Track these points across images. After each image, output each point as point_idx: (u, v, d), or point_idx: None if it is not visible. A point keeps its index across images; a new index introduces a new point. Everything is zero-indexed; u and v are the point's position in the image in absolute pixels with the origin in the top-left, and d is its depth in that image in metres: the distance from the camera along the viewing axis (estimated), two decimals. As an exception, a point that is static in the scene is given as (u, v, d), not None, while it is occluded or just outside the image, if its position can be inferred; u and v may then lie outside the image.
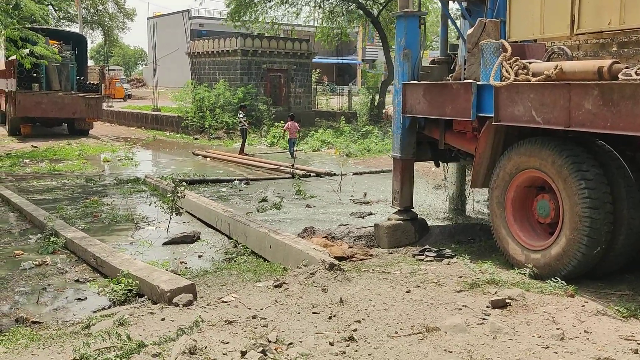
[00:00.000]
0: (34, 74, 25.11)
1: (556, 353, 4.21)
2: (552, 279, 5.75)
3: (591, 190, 5.64)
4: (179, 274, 6.79)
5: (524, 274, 6.06)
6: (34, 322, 5.97)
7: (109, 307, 6.37)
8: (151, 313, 5.40)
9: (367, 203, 12.34)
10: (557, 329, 4.61)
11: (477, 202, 11.07)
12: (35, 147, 22.49)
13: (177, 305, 5.57)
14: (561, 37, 6.55)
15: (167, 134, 29.75)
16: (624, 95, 5.06)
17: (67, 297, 6.93)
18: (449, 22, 9.27)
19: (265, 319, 4.99)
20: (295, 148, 21.03)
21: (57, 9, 36.11)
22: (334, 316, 4.99)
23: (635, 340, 4.42)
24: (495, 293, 5.44)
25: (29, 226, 10.16)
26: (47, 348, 4.70)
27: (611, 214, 5.69)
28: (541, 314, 4.95)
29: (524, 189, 6.56)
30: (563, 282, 5.65)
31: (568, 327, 4.66)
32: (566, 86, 5.60)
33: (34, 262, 7.95)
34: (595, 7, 6.05)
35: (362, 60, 59.12)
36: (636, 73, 5.08)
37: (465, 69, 7.38)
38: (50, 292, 7.06)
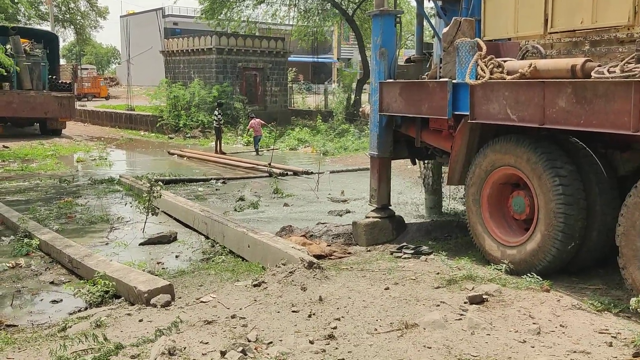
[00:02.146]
0: (5, 73, 24.65)
1: (533, 347, 4.28)
2: (528, 274, 5.84)
3: (565, 187, 5.74)
4: (156, 275, 6.73)
5: (500, 269, 6.14)
6: (8, 326, 5.86)
7: (85, 309, 6.29)
8: (128, 314, 5.35)
9: (344, 201, 12.37)
10: (534, 323, 4.68)
11: (454, 199, 11.17)
12: (7, 147, 22.07)
13: (155, 306, 5.53)
14: (535, 35, 6.63)
15: (142, 134, 29.45)
16: (597, 93, 5.14)
17: (42, 300, 6.82)
18: (425, 21, 9.33)
19: (244, 318, 4.98)
20: (258, 146, 21.96)
21: (26, 7, 35.49)
22: (314, 314, 5.00)
23: (609, 334, 4.51)
24: (473, 289, 5.50)
25: (2, 228, 9.98)
26: (22, 351, 4.63)
27: (585, 210, 5.79)
28: (518, 309, 5.02)
29: (499, 186, 6.65)
30: (538, 277, 5.74)
31: (544, 321, 4.74)
32: (540, 84, 5.68)
33: (8, 265, 7.81)
34: (568, 6, 6.14)
35: (338, 59, 59.18)
36: (608, 71, 5.17)
37: (440, 68, 7.44)
38: (24, 295, 6.94)
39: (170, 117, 28.17)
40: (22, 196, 13.00)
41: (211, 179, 15.29)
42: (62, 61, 54.47)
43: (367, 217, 8.55)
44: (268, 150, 21.40)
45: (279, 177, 15.10)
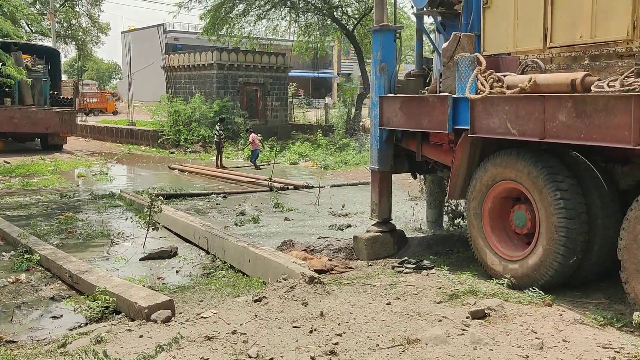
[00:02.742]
0: (6, 89, 24.78)
1: (536, 362, 4.25)
2: (530, 288, 5.82)
3: (566, 201, 5.73)
4: (156, 290, 6.70)
5: (502, 284, 6.12)
6: (8, 342, 5.82)
7: (86, 324, 6.25)
8: (129, 330, 5.33)
9: (345, 215, 12.35)
10: (536, 338, 4.65)
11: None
12: (8, 162, 22.10)
13: (155, 321, 5.50)
14: (534, 50, 6.66)
15: (143, 149, 29.50)
16: (597, 107, 5.16)
17: (42, 315, 6.79)
18: (424, 36, 9.38)
19: (245, 334, 4.95)
20: (257, 160, 22.33)
21: (29, 23, 35.68)
22: (315, 330, 4.97)
23: (613, 348, 4.48)
24: (475, 304, 5.48)
25: (2, 243, 9.96)
26: (22, 368, 4.61)
27: (586, 224, 5.78)
28: (520, 323, 4.99)
29: (500, 200, 6.64)
30: (541, 291, 5.72)
31: (547, 336, 4.71)
32: (540, 98, 5.69)
33: (8, 280, 7.79)
34: (568, 21, 6.17)
35: (338, 73, 59.46)
36: (608, 85, 5.19)
37: (440, 82, 7.47)
38: (24, 310, 6.91)
39: (171, 132, 28.27)
40: (22, 211, 12.99)
41: (212, 193, 15.29)
42: (64, 77, 54.79)
43: (368, 232, 8.54)
44: (269, 164, 21.43)
45: (280, 191, 15.09)
